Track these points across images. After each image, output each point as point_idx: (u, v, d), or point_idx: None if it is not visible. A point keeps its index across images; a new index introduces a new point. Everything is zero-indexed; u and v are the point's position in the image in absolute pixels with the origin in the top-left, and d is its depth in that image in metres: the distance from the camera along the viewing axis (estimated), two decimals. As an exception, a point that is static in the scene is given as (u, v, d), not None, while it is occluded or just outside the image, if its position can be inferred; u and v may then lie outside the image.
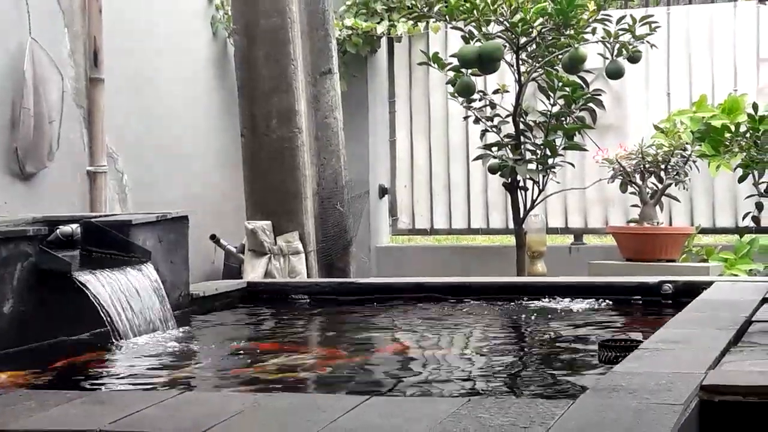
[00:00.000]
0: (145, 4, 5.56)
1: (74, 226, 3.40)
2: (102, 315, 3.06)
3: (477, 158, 6.04)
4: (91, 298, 3.05)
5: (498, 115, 5.98)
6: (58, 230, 3.39)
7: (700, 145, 5.94)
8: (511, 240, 6.36)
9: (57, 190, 4.89)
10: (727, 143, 5.53)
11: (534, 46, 5.75)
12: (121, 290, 3.16)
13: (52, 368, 2.82)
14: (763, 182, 5.67)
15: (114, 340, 3.07)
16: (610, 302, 3.81)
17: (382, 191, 7.14)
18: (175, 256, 3.63)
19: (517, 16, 5.61)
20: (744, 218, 5.97)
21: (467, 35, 5.74)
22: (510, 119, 5.88)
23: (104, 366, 2.91)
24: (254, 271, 4.96)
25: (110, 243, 3.33)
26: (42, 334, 3.04)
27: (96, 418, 1.85)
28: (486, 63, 5.60)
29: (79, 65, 5.06)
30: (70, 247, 3.37)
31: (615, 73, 5.85)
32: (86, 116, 5.07)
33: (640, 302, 3.83)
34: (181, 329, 3.35)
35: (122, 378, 2.77)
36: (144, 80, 5.53)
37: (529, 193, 5.89)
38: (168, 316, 3.34)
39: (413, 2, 6.15)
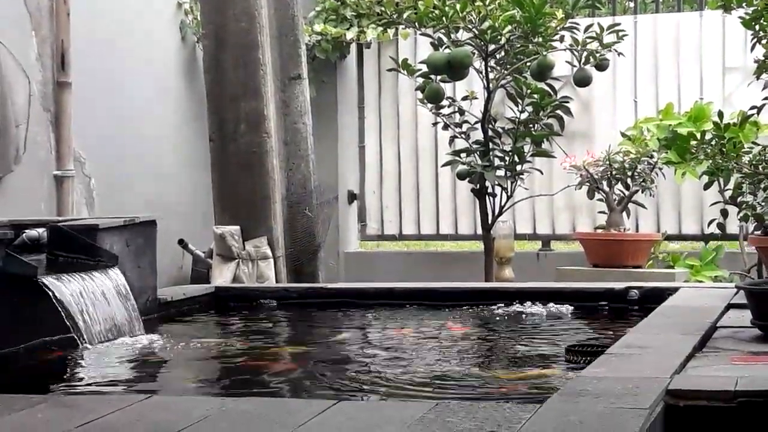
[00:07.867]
0: (113, 8, 5.53)
1: (41, 230, 3.37)
2: (67, 320, 3.04)
3: (446, 164, 6.05)
4: (56, 302, 3.02)
5: (467, 121, 6.00)
6: (24, 234, 3.37)
7: (667, 153, 5.99)
8: (479, 246, 6.37)
9: (24, 193, 4.85)
10: (693, 151, 5.56)
11: (502, 53, 5.78)
12: (88, 295, 3.14)
13: (18, 372, 2.79)
14: (728, 189, 5.71)
15: (79, 345, 3.05)
16: (577, 308, 3.83)
17: (351, 197, 7.14)
18: (142, 261, 3.61)
19: (486, 24, 5.63)
20: (709, 225, 6.02)
21: (436, 42, 5.76)
22: (479, 126, 5.90)
23: (69, 370, 2.89)
24: (222, 276, 4.94)
25: (77, 247, 3.31)
26: (7, 338, 3.01)
27: (61, 422, 1.84)
28: (455, 69, 5.61)
29: (47, 69, 5.02)
30: (36, 251, 3.34)
31: (582, 81, 5.88)
32: (53, 120, 5.03)
33: (607, 308, 3.86)
34: (148, 334, 3.33)
35: (87, 382, 2.75)
36: (112, 84, 5.50)
37: (497, 199, 5.92)
38: (135, 321, 3.32)
39: (383, 9, 6.16)
